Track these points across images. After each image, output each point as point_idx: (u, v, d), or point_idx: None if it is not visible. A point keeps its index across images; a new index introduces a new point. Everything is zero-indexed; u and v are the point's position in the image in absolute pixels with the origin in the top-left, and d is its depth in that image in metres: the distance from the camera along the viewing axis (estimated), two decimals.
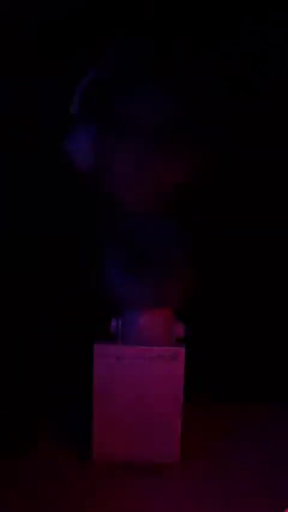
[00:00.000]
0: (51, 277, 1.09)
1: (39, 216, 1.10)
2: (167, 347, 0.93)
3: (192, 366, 0.94)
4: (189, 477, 0.91)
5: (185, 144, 0.92)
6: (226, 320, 1.15)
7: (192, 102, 0.98)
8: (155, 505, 0.84)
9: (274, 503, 0.84)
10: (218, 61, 1.00)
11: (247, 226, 1.14)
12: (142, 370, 0.92)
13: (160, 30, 1.02)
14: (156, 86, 0.97)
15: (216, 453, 0.98)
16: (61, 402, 1.10)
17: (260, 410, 1.11)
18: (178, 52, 0.97)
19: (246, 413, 1.11)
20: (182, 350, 0.92)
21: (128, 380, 0.92)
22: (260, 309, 1.16)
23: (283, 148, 1.08)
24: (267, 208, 1.12)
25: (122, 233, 0.97)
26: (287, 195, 1.12)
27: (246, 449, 1.00)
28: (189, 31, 1.02)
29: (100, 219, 0.97)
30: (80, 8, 1.02)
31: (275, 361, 1.16)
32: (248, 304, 1.17)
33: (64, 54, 1.04)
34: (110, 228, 0.96)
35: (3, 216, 1.10)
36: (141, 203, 0.94)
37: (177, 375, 0.92)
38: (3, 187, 1.09)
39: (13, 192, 1.10)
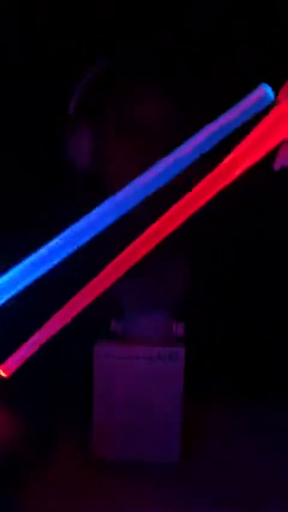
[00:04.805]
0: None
1: (38, 216, 1.10)
2: (167, 347, 0.92)
3: (193, 366, 0.94)
4: (189, 477, 0.91)
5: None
6: (227, 319, 1.16)
7: (191, 103, 0.98)
8: (155, 505, 0.84)
9: (275, 503, 0.84)
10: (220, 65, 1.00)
11: (246, 225, 1.14)
12: (142, 370, 0.92)
13: (158, 32, 1.02)
14: (155, 86, 0.98)
15: (216, 453, 0.98)
16: (60, 402, 1.10)
17: (261, 410, 1.11)
18: (178, 55, 0.98)
19: (247, 413, 1.11)
20: (182, 350, 0.92)
21: (128, 380, 0.92)
22: (260, 306, 1.16)
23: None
24: (266, 208, 1.12)
25: (121, 232, 0.96)
26: (285, 197, 1.12)
27: (247, 449, 0.99)
28: (188, 34, 1.02)
29: None
30: (80, 8, 1.03)
31: (276, 360, 1.16)
32: (248, 302, 1.17)
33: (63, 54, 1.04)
34: (109, 227, 0.95)
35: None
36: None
37: (177, 375, 0.92)
38: (2, 188, 1.09)
39: (13, 193, 1.10)
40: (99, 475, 0.90)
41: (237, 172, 0.51)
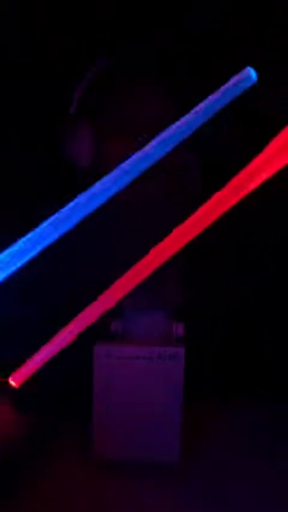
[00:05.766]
0: (51, 277, 1.09)
1: (37, 216, 1.10)
2: (167, 347, 0.92)
3: (193, 366, 0.94)
4: (189, 477, 0.91)
5: (185, 143, 0.92)
6: (227, 319, 1.16)
7: (191, 103, 0.98)
8: (155, 505, 0.84)
9: (275, 503, 0.84)
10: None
11: (246, 225, 1.14)
12: (142, 370, 0.92)
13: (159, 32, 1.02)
14: (155, 86, 0.98)
15: (216, 453, 0.98)
16: (60, 402, 1.10)
17: (260, 410, 1.11)
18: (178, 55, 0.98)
19: (247, 413, 1.11)
20: (182, 350, 0.92)
21: (128, 380, 0.92)
22: (260, 306, 1.16)
23: None
24: (266, 208, 1.12)
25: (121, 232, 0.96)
26: (286, 197, 1.12)
27: (247, 449, 1.00)
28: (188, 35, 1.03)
29: (100, 219, 0.97)
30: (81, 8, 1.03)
31: (276, 360, 1.16)
32: (248, 302, 1.17)
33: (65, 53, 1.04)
34: (110, 227, 0.95)
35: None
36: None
37: (177, 374, 0.92)
38: (2, 188, 1.09)
39: (13, 193, 1.10)
40: (99, 475, 0.90)
41: (254, 185, 0.51)
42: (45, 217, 0.90)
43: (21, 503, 0.82)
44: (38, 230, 0.56)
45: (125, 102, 0.96)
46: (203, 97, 0.99)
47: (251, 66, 0.99)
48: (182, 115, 0.96)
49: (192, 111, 0.53)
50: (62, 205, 1.07)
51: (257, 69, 0.88)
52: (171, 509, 0.83)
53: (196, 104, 0.98)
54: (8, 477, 0.87)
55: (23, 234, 1.05)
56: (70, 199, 1.04)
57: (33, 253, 0.57)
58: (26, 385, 0.75)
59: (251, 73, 0.54)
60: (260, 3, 1.01)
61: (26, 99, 1.06)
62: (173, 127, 0.53)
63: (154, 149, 0.54)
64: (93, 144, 0.97)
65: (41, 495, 0.84)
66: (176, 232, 0.56)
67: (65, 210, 0.56)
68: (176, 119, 0.97)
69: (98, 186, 0.56)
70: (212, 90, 1.00)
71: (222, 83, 1.01)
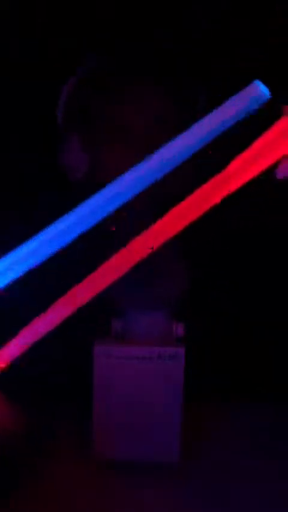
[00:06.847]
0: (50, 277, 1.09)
1: (37, 219, 1.10)
2: (167, 347, 0.92)
3: (193, 366, 0.94)
4: (189, 477, 0.91)
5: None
6: (227, 319, 1.15)
7: (191, 103, 0.98)
8: (155, 505, 0.84)
9: (276, 503, 0.84)
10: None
11: (246, 225, 1.14)
12: (142, 370, 0.92)
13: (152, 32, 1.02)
14: (155, 86, 0.97)
15: (217, 453, 0.98)
16: (60, 402, 1.10)
17: (261, 410, 1.11)
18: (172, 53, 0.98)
19: (248, 413, 1.11)
20: (182, 350, 0.92)
21: (128, 380, 0.92)
22: (260, 306, 1.16)
23: None
24: (267, 208, 1.12)
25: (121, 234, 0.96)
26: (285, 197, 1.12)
27: (248, 449, 0.99)
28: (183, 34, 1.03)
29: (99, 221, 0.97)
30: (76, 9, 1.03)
31: (276, 360, 1.16)
32: (248, 302, 1.17)
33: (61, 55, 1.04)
34: (108, 229, 0.95)
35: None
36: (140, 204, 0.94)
37: (177, 374, 0.92)
38: (2, 188, 1.09)
39: (13, 193, 1.10)
40: (99, 475, 0.90)
41: (239, 182, 0.51)
42: (44, 217, 0.91)
43: (21, 503, 0.82)
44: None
45: (124, 102, 0.95)
46: (203, 97, 0.99)
47: (251, 66, 0.99)
48: (182, 115, 0.96)
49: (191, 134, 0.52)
50: (61, 205, 1.08)
51: (257, 69, 0.88)
52: (171, 509, 0.83)
53: (196, 104, 0.98)
54: (7, 477, 0.87)
55: (22, 234, 1.05)
56: (69, 200, 1.04)
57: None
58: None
59: (261, 90, 0.50)
60: (260, 3, 1.01)
61: (26, 99, 1.06)
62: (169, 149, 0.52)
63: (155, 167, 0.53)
64: (88, 151, 0.97)
65: (40, 495, 0.84)
66: (157, 226, 0.55)
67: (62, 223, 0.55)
68: (176, 119, 0.97)
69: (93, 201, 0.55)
70: (211, 90, 1.00)
71: (222, 83, 1.01)
